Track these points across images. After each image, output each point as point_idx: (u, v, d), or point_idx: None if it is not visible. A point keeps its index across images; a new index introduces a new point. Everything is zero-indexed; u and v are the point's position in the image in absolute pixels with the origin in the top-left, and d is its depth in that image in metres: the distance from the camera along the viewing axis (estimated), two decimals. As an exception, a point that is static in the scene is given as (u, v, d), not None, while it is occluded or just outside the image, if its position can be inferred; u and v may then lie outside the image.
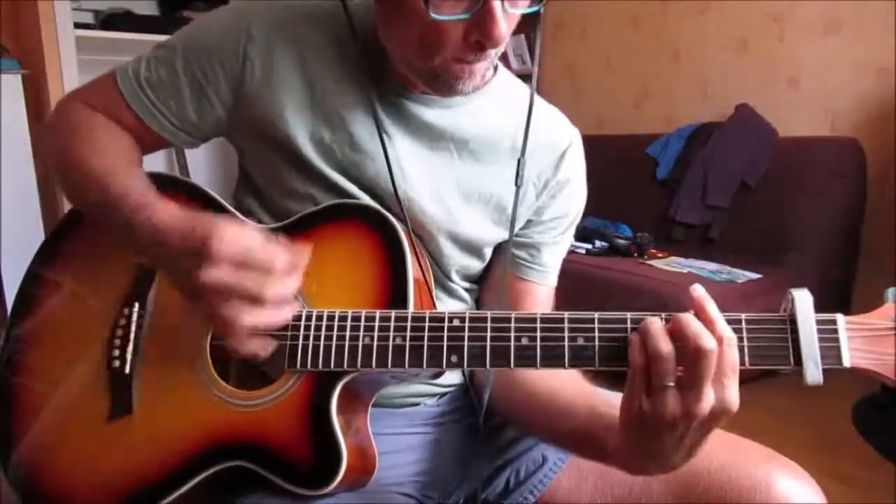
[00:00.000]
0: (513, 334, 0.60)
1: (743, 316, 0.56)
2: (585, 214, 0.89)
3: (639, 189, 3.01)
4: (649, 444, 0.56)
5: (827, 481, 0.74)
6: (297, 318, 0.66)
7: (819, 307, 0.56)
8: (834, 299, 2.38)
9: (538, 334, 0.60)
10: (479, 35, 0.61)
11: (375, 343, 0.64)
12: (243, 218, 0.76)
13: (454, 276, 0.83)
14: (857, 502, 1.57)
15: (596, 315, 0.58)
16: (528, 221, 0.83)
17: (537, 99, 0.79)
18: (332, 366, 0.64)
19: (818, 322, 0.55)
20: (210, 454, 0.66)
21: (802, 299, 0.55)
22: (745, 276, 2.31)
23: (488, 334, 0.61)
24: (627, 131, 3.26)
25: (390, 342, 0.63)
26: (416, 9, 0.61)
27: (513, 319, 0.61)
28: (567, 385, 0.74)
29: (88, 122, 0.78)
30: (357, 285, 0.68)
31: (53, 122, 0.80)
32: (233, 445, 0.66)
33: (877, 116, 2.50)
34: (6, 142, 2.10)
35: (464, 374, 0.77)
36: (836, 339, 0.55)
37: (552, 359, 0.59)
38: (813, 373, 0.54)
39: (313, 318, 0.66)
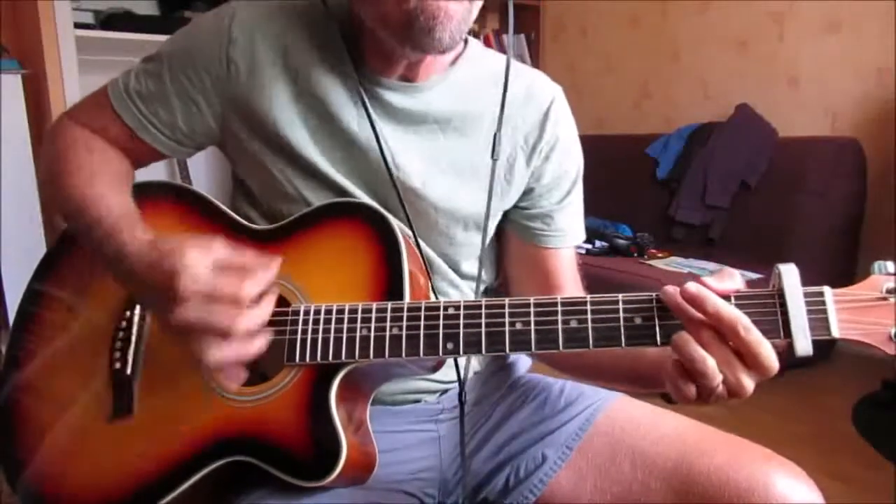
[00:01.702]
0: (507, 319, 0.61)
1: (732, 293, 0.57)
2: (585, 215, 0.88)
3: (639, 189, 3.01)
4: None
5: (826, 481, 0.74)
6: (296, 313, 0.67)
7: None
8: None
9: (532, 318, 0.61)
10: None
11: (373, 334, 0.64)
12: (240, 219, 0.76)
13: (464, 266, 0.83)
14: (856, 502, 1.57)
15: (588, 297, 0.60)
16: (530, 190, 0.83)
17: (515, 64, 0.79)
18: (330, 358, 0.65)
19: (806, 295, 0.56)
20: (210, 450, 0.66)
21: (789, 273, 0.56)
22: (745, 276, 2.31)
23: (483, 321, 0.62)
24: (627, 131, 3.26)
25: (387, 332, 0.64)
26: None
27: (506, 305, 0.62)
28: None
29: (77, 142, 0.78)
30: (354, 281, 0.68)
31: (47, 142, 0.81)
32: (233, 441, 0.66)
33: (877, 116, 2.50)
34: (6, 142, 2.09)
35: (457, 365, 0.77)
36: (824, 311, 0.56)
37: (546, 342, 0.60)
38: (803, 344, 0.55)
39: (311, 313, 0.66)
